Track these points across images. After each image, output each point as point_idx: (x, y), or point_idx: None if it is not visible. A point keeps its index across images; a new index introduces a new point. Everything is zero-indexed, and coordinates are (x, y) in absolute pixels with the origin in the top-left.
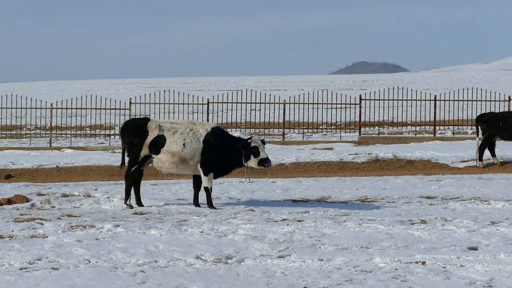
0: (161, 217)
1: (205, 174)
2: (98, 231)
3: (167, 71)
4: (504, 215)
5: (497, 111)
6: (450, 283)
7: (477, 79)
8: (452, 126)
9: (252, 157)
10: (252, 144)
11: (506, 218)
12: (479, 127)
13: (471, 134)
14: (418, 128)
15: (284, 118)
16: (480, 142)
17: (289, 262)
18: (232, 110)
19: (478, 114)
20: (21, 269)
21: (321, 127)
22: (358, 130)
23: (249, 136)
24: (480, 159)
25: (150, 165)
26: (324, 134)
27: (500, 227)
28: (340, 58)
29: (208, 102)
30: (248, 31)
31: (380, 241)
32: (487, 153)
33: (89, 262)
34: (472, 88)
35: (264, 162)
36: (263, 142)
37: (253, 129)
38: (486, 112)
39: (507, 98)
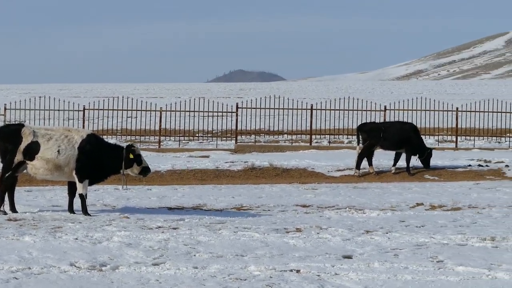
0: (35, 224)
1: (80, 181)
2: None
3: (43, 77)
4: (378, 224)
5: (373, 120)
6: None
7: (354, 89)
8: (328, 135)
9: (135, 165)
10: (137, 152)
11: (381, 227)
12: (360, 136)
13: (347, 143)
14: (294, 137)
15: (160, 126)
16: (360, 150)
17: (164, 269)
18: (108, 117)
19: (359, 124)
20: None
21: (197, 135)
22: (234, 138)
23: (129, 144)
24: (358, 167)
25: (25, 171)
26: (200, 142)
27: (374, 236)
28: (217, 66)
29: (84, 109)
30: (123, 40)
31: (255, 249)
32: (364, 162)
33: None
34: (349, 98)
35: (147, 171)
36: None
37: (129, 136)
38: (366, 121)
39: (383, 108)
